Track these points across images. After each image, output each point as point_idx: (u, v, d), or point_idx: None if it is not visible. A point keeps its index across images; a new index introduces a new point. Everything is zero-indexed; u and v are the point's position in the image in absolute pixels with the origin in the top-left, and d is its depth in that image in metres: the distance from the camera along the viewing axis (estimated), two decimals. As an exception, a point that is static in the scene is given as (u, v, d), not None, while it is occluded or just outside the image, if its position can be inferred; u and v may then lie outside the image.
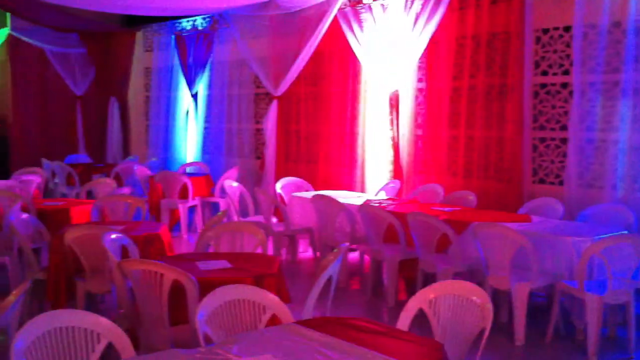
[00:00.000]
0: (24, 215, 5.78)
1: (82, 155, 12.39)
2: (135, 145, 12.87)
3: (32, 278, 5.09)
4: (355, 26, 8.35)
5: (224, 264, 4.15)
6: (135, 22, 12.29)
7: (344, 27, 8.47)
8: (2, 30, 12.50)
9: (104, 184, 8.01)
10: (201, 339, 2.92)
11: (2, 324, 3.16)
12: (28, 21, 11.90)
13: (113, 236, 4.45)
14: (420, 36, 7.59)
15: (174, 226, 9.13)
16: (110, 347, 2.87)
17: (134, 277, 3.75)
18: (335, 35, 8.71)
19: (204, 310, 3.02)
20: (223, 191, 8.75)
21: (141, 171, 9.90)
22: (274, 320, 3.19)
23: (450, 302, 3.09)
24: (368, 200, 6.84)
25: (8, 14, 12.15)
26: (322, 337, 2.68)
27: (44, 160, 10.97)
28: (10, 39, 12.38)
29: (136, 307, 3.85)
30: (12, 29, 12.27)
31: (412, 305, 3.07)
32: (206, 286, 3.52)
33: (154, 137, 12.37)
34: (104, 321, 2.84)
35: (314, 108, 9.46)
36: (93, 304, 5.42)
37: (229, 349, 2.57)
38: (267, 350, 2.54)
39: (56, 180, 10.40)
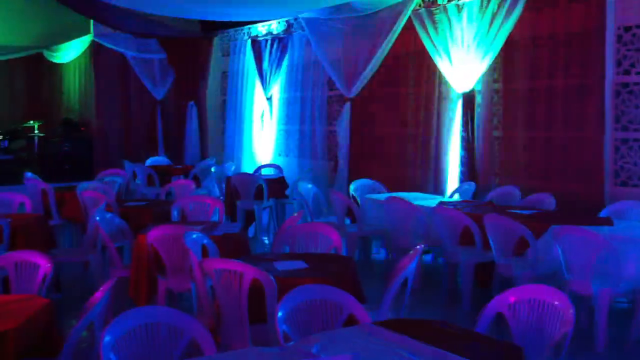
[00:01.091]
0: (108, 215, 6.01)
1: (162, 157, 12.78)
2: (212, 147, 13.18)
3: (116, 276, 5.30)
4: (429, 27, 8.30)
5: (300, 264, 4.21)
6: (212, 27, 12.60)
7: (418, 28, 8.42)
8: (85, 37, 13.02)
9: (183, 185, 8.24)
10: (280, 337, 2.98)
11: (89, 320, 3.31)
12: (110, 28, 12.36)
13: (194, 235, 4.59)
14: (496, 36, 7.48)
15: (249, 227, 9.30)
16: (192, 343, 2.97)
17: (214, 275, 3.85)
18: (409, 36, 8.68)
19: (283, 309, 3.08)
20: (297, 193, 8.86)
21: (218, 173, 10.12)
22: (350, 321, 3.23)
23: (531, 306, 3.04)
24: (442, 202, 6.79)
25: (91, 21, 12.65)
26: (400, 338, 2.69)
27: (126, 162, 11.36)
28: (93, 46, 12.87)
29: (216, 305, 3.95)
30: (95, 35, 12.77)
31: (491, 309, 3.04)
32: (284, 286, 3.58)
33: (230, 139, 12.62)
34: (187, 318, 2.94)
35: (387, 109, 9.45)
36: (173, 302, 5.59)
37: (308, 347, 2.61)
38: (346, 351, 2.57)
39: (137, 181, 10.76)
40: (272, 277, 3.67)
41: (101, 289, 3.44)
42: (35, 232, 6.05)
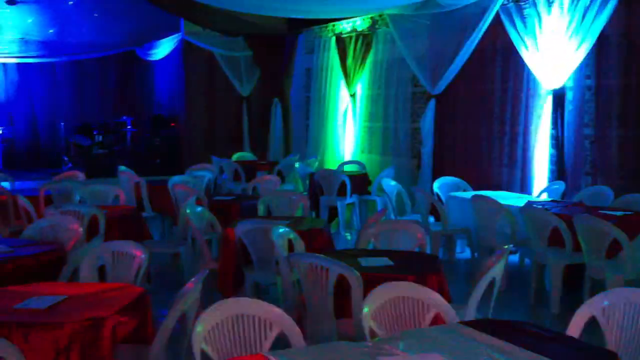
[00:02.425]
0: (198, 209, 6.19)
1: (247, 153, 13.04)
2: (295, 143, 13.35)
3: (205, 268, 5.46)
4: (518, 22, 8.11)
5: (385, 261, 4.22)
6: (297, 25, 12.75)
7: (506, 24, 8.24)
8: (175, 35, 13.44)
9: (268, 181, 8.39)
10: (366, 333, 3.01)
11: (181, 309, 3.42)
12: (199, 26, 12.70)
13: (281, 230, 4.67)
14: (588, 31, 7.23)
15: (331, 223, 9.36)
16: (281, 336, 3.03)
17: (301, 270, 3.92)
18: (496, 31, 8.51)
19: (369, 305, 3.10)
20: (380, 189, 8.85)
21: (302, 169, 10.24)
22: (436, 320, 3.22)
23: (626, 310, 2.95)
24: (530, 202, 6.64)
25: (181, 20, 13.04)
26: (489, 339, 2.67)
27: (213, 157, 11.66)
28: (183, 44, 13.26)
29: (302, 299, 4.02)
30: (185, 34, 13.15)
31: (584, 312, 2.96)
32: (369, 282, 3.61)
33: (314, 136, 12.74)
34: (276, 311, 3.00)
35: (472, 106, 9.30)
36: (259, 295, 5.70)
37: (395, 345, 2.63)
38: (433, 349, 2.57)
39: (224, 176, 11.02)
40: (357, 274, 3.70)
41: (193, 280, 3.56)
42: (128, 224, 6.31)
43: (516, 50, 8.17)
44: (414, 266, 4.09)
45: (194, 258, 6.46)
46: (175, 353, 3.63)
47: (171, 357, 3.63)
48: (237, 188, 10.59)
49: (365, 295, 3.31)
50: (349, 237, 9.06)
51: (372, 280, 3.64)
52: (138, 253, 4.27)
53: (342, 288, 3.78)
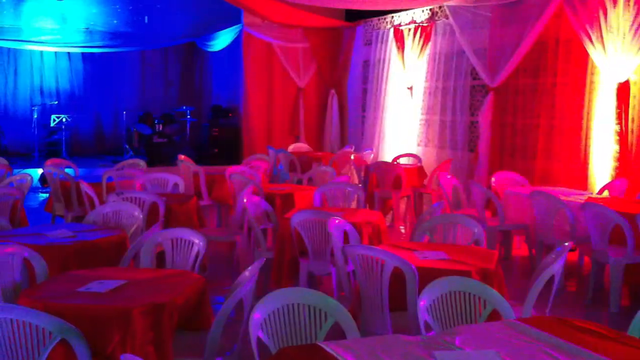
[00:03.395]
0: (255, 199, 6.26)
1: (302, 144, 13.10)
2: (351, 135, 13.34)
3: (261, 257, 5.53)
4: (581, 13, 7.90)
5: (441, 254, 4.19)
6: (355, 16, 12.71)
7: (570, 14, 8.04)
8: (235, 26, 13.57)
9: (323, 172, 8.42)
10: (422, 326, 3.00)
11: (238, 297, 3.48)
12: (259, 18, 12.80)
13: (337, 221, 4.69)
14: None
15: (386, 215, 9.33)
16: (336, 326, 3.05)
17: (356, 261, 3.93)
18: (558, 23, 8.31)
19: (425, 299, 3.09)
20: (436, 183, 8.77)
21: (357, 160, 10.24)
22: (493, 316, 3.18)
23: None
24: (591, 198, 6.48)
25: (241, 11, 13.16)
26: (547, 337, 2.63)
27: (270, 148, 11.76)
28: (242, 35, 13.39)
29: (356, 291, 4.03)
30: (245, 25, 13.27)
31: (647, 312, 2.89)
32: (425, 275, 3.59)
33: (369, 128, 12.71)
34: (332, 301, 3.02)
35: (532, 100, 9.11)
36: (313, 285, 5.74)
37: (451, 339, 2.61)
38: (491, 345, 2.54)
39: (280, 166, 11.10)
40: (413, 267, 3.69)
41: (250, 268, 3.61)
42: (187, 212, 6.43)
43: (579, 42, 7.97)
44: (470, 261, 4.05)
45: (250, 247, 6.55)
46: (230, 340, 3.69)
47: (227, 343, 3.69)
48: (292, 178, 10.66)
49: (420, 289, 3.30)
50: (402, 230, 9.02)
51: (428, 273, 3.63)
52: (197, 240, 4.35)
53: (396, 281, 3.78)
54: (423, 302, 3.06)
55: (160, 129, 14.14)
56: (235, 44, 13.77)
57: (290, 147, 12.42)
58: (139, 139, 14.48)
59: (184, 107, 14.67)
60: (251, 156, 10.32)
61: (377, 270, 3.77)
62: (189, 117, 14.65)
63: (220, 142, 13.73)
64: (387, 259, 3.71)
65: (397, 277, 3.76)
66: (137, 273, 3.98)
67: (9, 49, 14.61)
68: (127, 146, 14.36)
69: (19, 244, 4.13)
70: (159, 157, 12.98)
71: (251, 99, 13.56)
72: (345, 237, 4.91)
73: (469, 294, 3.16)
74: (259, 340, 2.90)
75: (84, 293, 3.46)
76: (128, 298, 3.41)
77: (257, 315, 2.92)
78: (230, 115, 13.90)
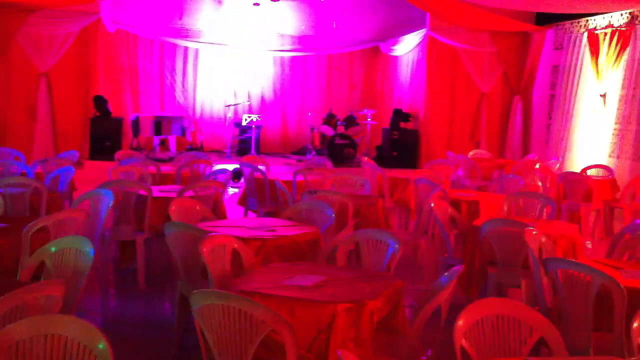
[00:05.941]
0: (442, 203, 6.27)
1: (483, 151, 12.86)
2: (534, 143, 12.89)
3: (446, 262, 5.53)
4: None
5: (649, 275, 3.96)
6: (546, 20, 12.26)
7: None
8: (420, 30, 13.60)
9: (509, 180, 8.21)
10: (635, 349, 2.86)
11: (437, 302, 3.51)
12: (446, 22, 12.73)
13: (533, 232, 4.58)
14: None
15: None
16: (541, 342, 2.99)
17: (556, 276, 3.82)
18: None
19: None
20: (630, 197, 8.24)
21: (543, 170, 9.87)
22: None
23: None
24: None
25: (427, 15, 13.18)
26: None
27: (449, 153, 11.66)
28: (427, 39, 13.39)
29: (556, 305, 3.92)
30: (430, 29, 13.27)
31: None
32: (634, 295, 3.42)
33: (555, 136, 12.20)
34: (538, 316, 2.97)
35: None
36: (500, 296, 5.63)
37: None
38: None
39: (459, 172, 10.98)
40: (621, 287, 3.53)
41: (447, 274, 3.62)
42: (375, 213, 6.57)
43: None
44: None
45: (432, 251, 6.56)
46: (424, 344, 3.74)
47: (421, 347, 3.74)
48: (472, 185, 10.49)
49: (629, 309, 3.15)
50: (589, 246, 8.56)
51: (636, 294, 3.45)
52: (391, 242, 4.44)
53: (600, 299, 3.62)
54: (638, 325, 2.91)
55: (342, 130, 14.50)
56: (419, 48, 13.80)
57: (470, 153, 12.23)
58: (321, 139, 14.97)
59: (366, 110, 14.94)
60: (432, 161, 10.30)
61: (582, 287, 3.64)
62: (369, 119, 14.90)
63: (400, 146, 13.81)
64: (594, 276, 3.57)
65: (600, 296, 3.61)
66: (334, 270, 4.14)
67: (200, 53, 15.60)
68: (310, 146, 14.88)
69: (228, 236, 4.45)
70: (340, 157, 13.32)
71: (432, 103, 13.53)
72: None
73: None
74: (462, 349, 2.92)
75: (291, 285, 3.66)
76: (332, 293, 3.55)
77: (461, 323, 2.94)
78: (410, 119, 13.95)
